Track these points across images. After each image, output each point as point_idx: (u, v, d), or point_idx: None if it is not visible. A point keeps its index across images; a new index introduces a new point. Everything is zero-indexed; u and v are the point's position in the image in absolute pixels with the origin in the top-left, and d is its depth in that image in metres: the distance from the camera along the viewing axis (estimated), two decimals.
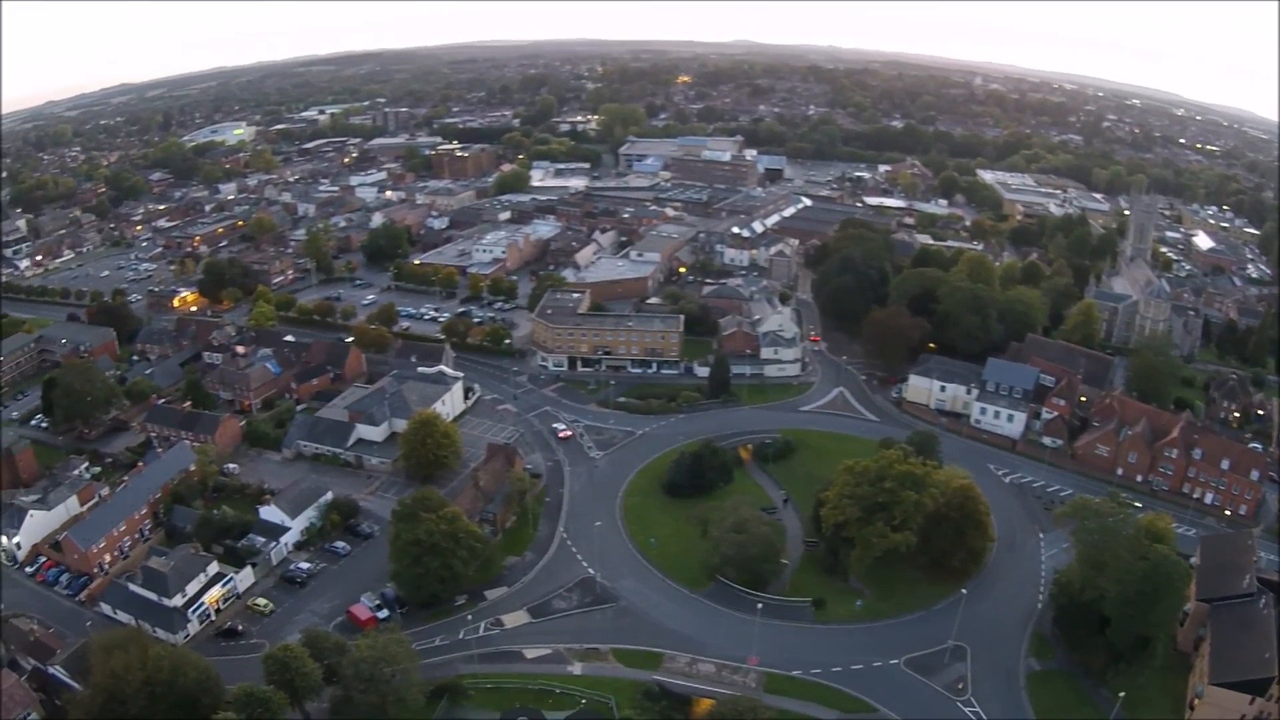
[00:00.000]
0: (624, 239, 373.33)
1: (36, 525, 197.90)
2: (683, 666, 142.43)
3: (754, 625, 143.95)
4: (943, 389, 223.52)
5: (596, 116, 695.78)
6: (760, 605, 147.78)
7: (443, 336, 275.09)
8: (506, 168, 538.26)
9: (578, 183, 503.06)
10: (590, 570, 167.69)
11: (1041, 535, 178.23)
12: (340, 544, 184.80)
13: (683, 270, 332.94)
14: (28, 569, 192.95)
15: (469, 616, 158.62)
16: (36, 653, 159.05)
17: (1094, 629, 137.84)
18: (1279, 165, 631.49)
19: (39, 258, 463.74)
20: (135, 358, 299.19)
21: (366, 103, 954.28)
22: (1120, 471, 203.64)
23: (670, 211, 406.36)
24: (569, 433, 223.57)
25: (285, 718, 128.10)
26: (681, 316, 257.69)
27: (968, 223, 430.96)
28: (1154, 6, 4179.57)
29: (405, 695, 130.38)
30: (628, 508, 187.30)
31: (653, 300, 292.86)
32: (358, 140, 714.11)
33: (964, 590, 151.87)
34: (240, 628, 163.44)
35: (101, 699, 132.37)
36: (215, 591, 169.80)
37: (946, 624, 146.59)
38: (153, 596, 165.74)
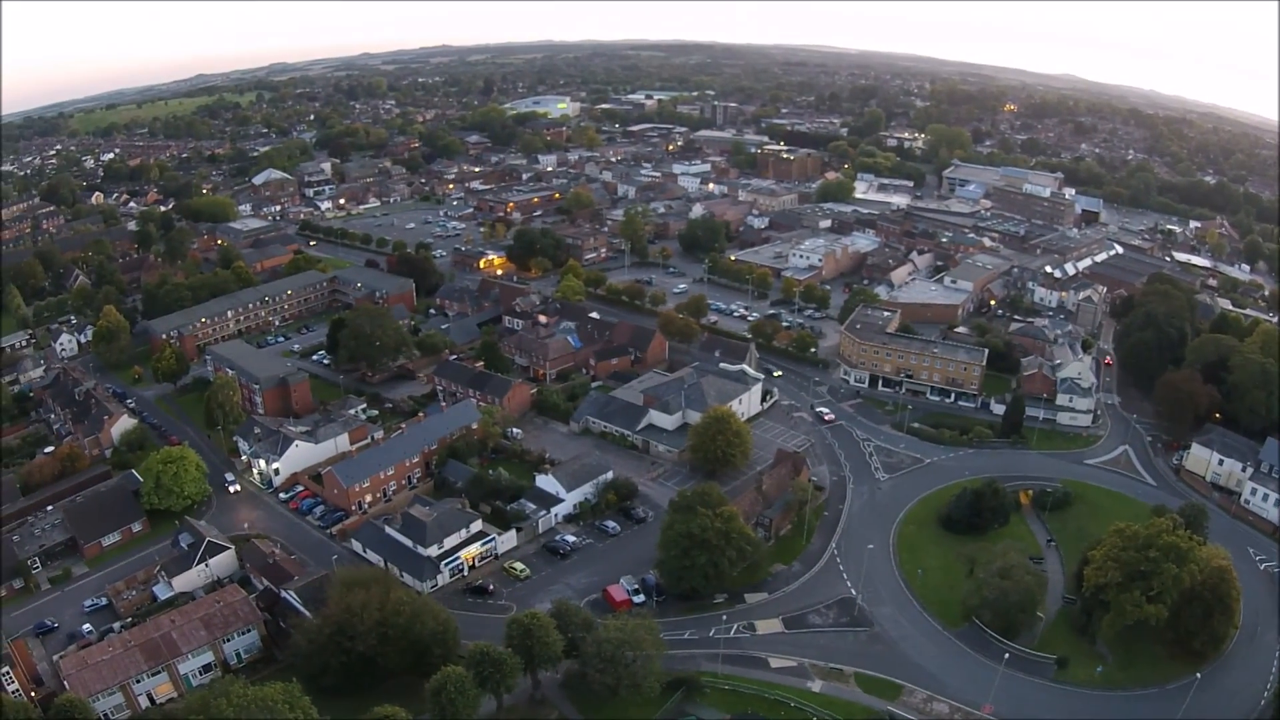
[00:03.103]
0: (939, 263, 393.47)
1: (300, 455, 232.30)
2: (918, 702, 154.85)
3: (996, 674, 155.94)
4: (1220, 462, 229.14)
5: (923, 135, 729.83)
6: (1007, 655, 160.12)
7: (749, 336, 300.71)
8: (831, 175, 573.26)
9: (900, 200, 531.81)
10: (852, 591, 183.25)
11: None
12: (611, 523, 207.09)
13: (993, 303, 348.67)
14: (282, 495, 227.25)
15: (724, 616, 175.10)
16: (273, 575, 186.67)
17: None
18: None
19: (342, 201, 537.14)
20: (432, 311, 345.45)
21: (695, 93, 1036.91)
22: None
23: (988, 241, 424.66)
24: (832, 416, 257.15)
25: (515, 682, 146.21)
26: (986, 350, 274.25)
27: (1266, 292, 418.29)
28: (1154, 6, 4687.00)
29: (642, 682, 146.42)
30: (902, 535, 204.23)
31: (960, 329, 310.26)
32: (684, 129, 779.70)
33: (1198, 675, 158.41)
34: (491, 588, 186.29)
35: (330, 630, 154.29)
36: (473, 549, 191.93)
37: (1174, 706, 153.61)
38: (408, 543, 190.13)
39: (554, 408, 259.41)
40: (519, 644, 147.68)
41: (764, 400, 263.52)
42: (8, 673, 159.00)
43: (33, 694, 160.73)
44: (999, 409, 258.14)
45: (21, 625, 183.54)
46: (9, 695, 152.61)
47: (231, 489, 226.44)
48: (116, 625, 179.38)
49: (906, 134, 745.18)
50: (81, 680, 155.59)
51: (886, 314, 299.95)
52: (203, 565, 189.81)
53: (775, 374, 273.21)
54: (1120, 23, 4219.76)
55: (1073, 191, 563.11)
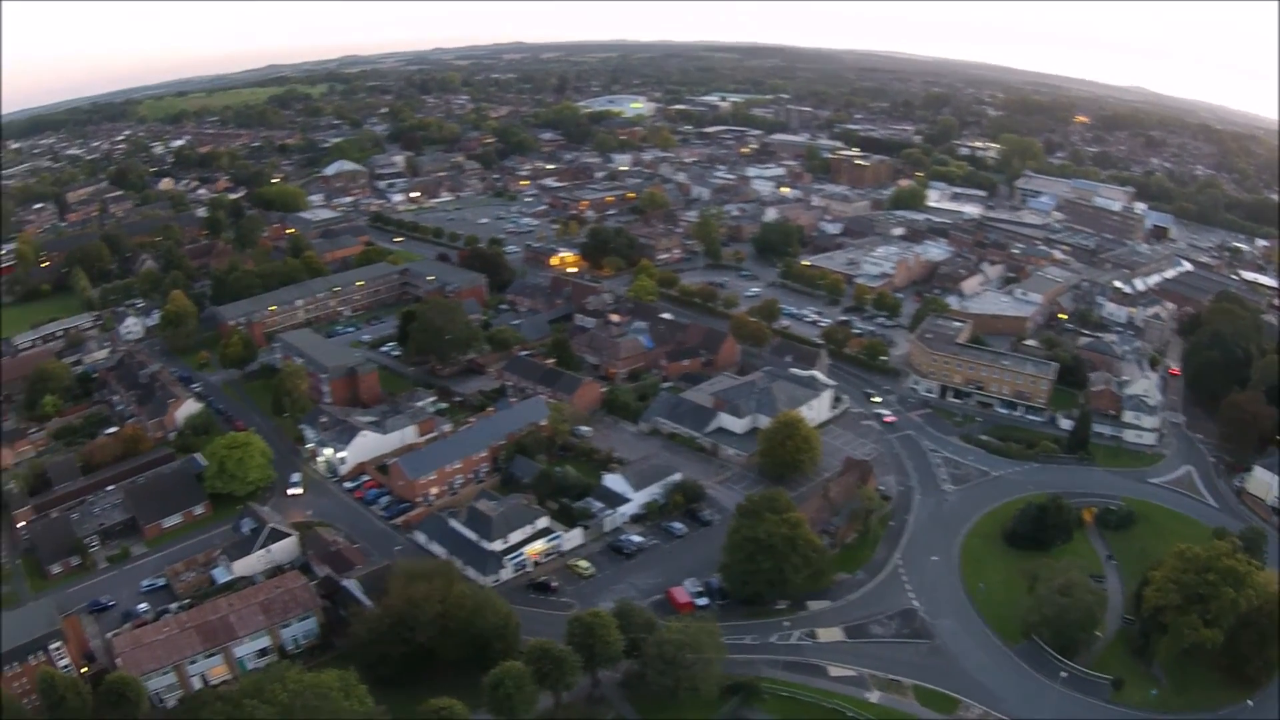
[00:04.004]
0: (1010, 275, 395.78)
1: (366, 445, 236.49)
2: (974, 718, 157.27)
3: (1052, 692, 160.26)
4: None
5: (995, 145, 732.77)
6: (1064, 673, 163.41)
7: (821, 342, 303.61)
8: (904, 183, 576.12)
9: (972, 209, 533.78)
10: (915, 602, 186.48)
11: None
12: (677, 525, 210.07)
13: (1063, 317, 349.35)
14: (347, 484, 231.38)
15: (786, 623, 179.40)
16: (334, 563, 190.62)
17: None
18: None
19: (414, 194, 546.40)
20: (503, 307, 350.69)
21: (770, 96, 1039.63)
22: None
23: (1058, 254, 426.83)
24: (893, 419, 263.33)
25: (574, 680, 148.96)
26: (1055, 364, 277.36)
27: None
28: (1154, 6, 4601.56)
29: (701, 685, 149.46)
30: (966, 548, 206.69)
31: (1029, 342, 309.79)
32: (758, 132, 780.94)
33: (1250, 702, 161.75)
34: (554, 584, 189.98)
35: (391, 620, 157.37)
36: (538, 545, 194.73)
37: None
38: (472, 536, 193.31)
39: (623, 407, 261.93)
40: (580, 642, 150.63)
41: (834, 406, 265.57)
42: (59, 648, 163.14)
43: (83, 670, 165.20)
44: (1066, 424, 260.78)
45: (76, 602, 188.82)
46: (59, 671, 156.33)
47: (291, 492, 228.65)
48: (173, 606, 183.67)
49: (979, 143, 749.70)
50: (134, 659, 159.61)
51: (957, 324, 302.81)
52: (264, 550, 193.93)
53: (874, 398, 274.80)
54: (1120, 23, 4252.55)
55: (1143, 206, 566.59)
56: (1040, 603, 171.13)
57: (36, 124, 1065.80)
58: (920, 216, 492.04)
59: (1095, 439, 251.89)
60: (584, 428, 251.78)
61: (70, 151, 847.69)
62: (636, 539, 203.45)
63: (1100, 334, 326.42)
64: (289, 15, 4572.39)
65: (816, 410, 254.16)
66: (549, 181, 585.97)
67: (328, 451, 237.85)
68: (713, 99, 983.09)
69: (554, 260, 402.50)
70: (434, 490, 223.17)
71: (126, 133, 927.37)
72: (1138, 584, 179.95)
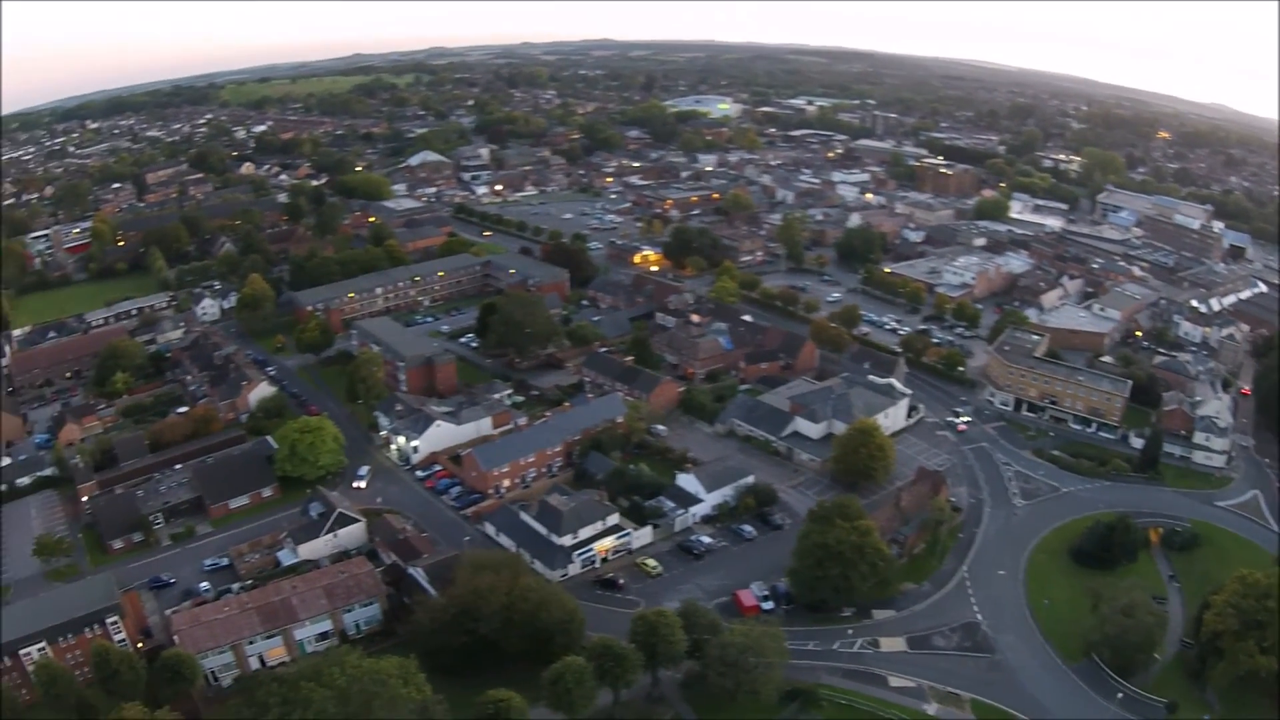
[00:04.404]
0: (1089, 290, 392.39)
1: (440, 435, 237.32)
2: None
3: (1107, 713, 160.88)
4: None
5: (1078, 158, 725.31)
6: (1120, 694, 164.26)
7: (899, 350, 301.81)
8: (988, 193, 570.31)
9: (1054, 222, 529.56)
10: (979, 616, 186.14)
11: None
12: (748, 528, 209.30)
13: (1139, 334, 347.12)
14: (419, 473, 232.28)
15: (849, 630, 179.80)
16: (401, 550, 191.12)
17: None
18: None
19: (498, 188, 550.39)
20: (584, 303, 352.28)
21: (856, 101, 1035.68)
22: None
23: (1137, 270, 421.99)
24: (965, 426, 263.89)
25: (635, 678, 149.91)
26: (1130, 382, 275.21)
27: None
28: (1154, 6, 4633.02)
29: (760, 689, 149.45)
30: (1033, 563, 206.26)
31: (1105, 359, 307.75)
32: (843, 137, 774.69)
33: None
34: (621, 582, 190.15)
35: (455, 610, 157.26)
36: (607, 542, 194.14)
37: None
38: (542, 530, 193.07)
39: (700, 407, 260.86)
40: (643, 640, 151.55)
41: (909, 415, 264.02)
42: (115, 623, 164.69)
43: (139, 645, 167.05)
44: (1138, 442, 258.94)
45: (136, 578, 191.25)
46: (114, 644, 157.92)
47: (356, 485, 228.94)
48: (235, 586, 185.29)
49: (1062, 155, 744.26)
50: (192, 636, 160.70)
51: (1035, 338, 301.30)
52: (331, 535, 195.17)
53: (961, 419, 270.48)
54: (1120, 22, 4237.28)
55: (1221, 225, 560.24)
56: (1102, 622, 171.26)
57: (117, 105, 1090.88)
58: (1002, 228, 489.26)
59: (1165, 459, 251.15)
60: (660, 426, 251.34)
61: (150, 133, 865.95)
62: (706, 540, 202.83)
63: (1175, 353, 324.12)
64: (375, 7, 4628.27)
65: (892, 418, 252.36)
66: (634, 179, 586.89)
67: (401, 439, 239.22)
68: (799, 102, 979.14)
69: (636, 258, 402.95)
70: (506, 482, 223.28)
71: (208, 116, 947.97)
72: (1198, 607, 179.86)
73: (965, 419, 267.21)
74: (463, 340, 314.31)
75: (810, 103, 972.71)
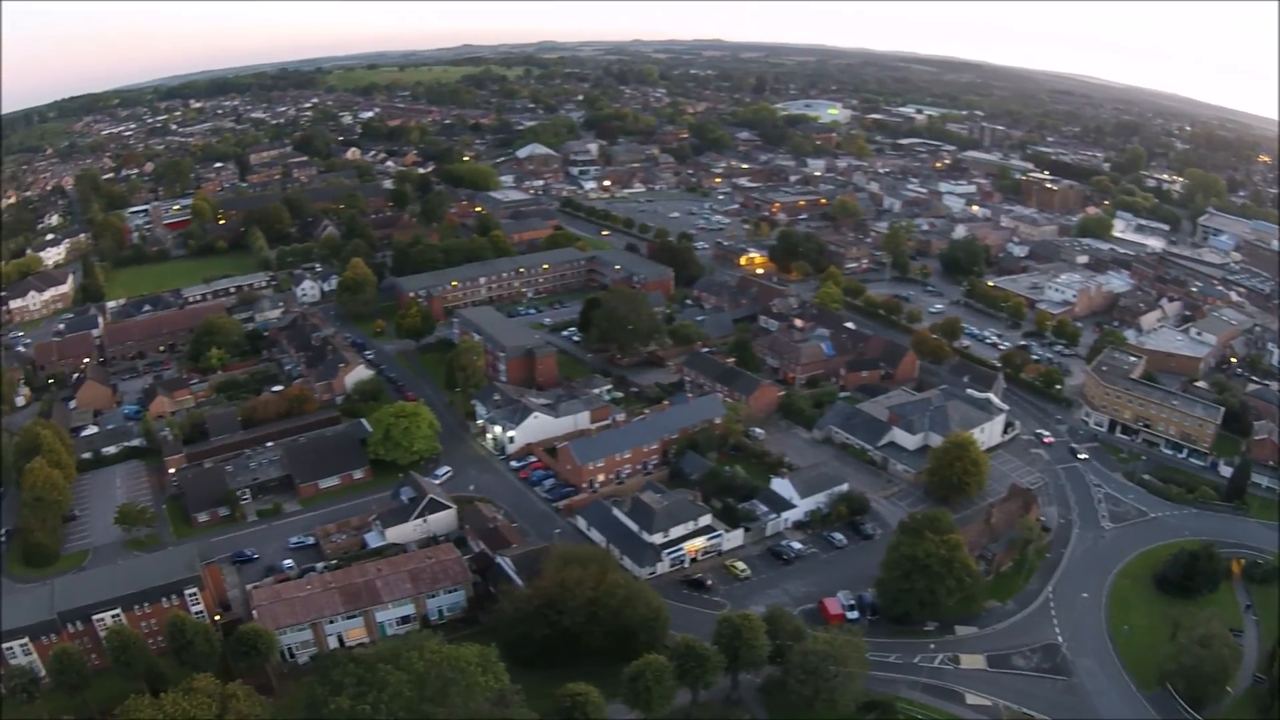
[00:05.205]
0: (1187, 313, 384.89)
1: (537, 427, 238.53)
2: None
3: None
4: None
5: (1180, 178, 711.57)
6: None
7: (999, 365, 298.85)
8: (1092, 210, 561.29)
9: (1156, 243, 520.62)
10: (1060, 638, 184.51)
11: None
12: (839, 535, 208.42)
13: (1233, 360, 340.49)
14: (514, 463, 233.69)
15: (931, 645, 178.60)
16: (490, 539, 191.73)
17: None
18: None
19: (606, 183, 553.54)
20: (689, 302, 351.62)
21: (964, 112, 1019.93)
22: None
23: (1234, 295, 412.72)
24: (1051, 439, 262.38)
25: (714, 680, 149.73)
26: (1222, 409, 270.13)
27: None
28: (1154, 6, 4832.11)
29: (839, 699, 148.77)
30: (1116, 588, 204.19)
31: (1200, 384, 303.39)
32: (951, 148, 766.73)
33: None
34: (709, 583, 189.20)
35: (540, 602, 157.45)
36: (698, 542, 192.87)
37: None
38: (633, 527, 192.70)
39: (799, 412, 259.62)
40: (726, 643, 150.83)
41: (1005, 432, 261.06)
42: (195, 594, 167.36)
43: (217, 617, 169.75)
44: (1226, 471, 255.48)
45: (219, 551, 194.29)
46: (190, 615, 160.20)
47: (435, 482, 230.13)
48: (319, 565, 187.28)
49: (1165, 175, 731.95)
50: (271, 612, 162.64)
51: (1132, 359, 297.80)
52: (420, 520, 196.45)
53: (1080, 455, 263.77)
54: (1120, 22, 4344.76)
55: None
56: (1179, 651, 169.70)
57: (220, 86, 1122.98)
58: (1105, 246, 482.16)
59: (1252, 489, 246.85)
60: (758, 430, 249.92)
61: (254, 114, 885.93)
62: (797, 545, 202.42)
63: (1268, 382, 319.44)
64: (486, 6, 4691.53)
65: (988, 434, 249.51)
66: (742, 181, 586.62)
67: (497, 429, 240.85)
68: (908, 110, 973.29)
69: (742, 260, 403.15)
70: (600, 477, 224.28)
71: (314, 100, 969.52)
72: (1273, 643, 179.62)
73: (1084, 456, 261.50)
74: (565, 334, 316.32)
75: (919, 111, 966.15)
